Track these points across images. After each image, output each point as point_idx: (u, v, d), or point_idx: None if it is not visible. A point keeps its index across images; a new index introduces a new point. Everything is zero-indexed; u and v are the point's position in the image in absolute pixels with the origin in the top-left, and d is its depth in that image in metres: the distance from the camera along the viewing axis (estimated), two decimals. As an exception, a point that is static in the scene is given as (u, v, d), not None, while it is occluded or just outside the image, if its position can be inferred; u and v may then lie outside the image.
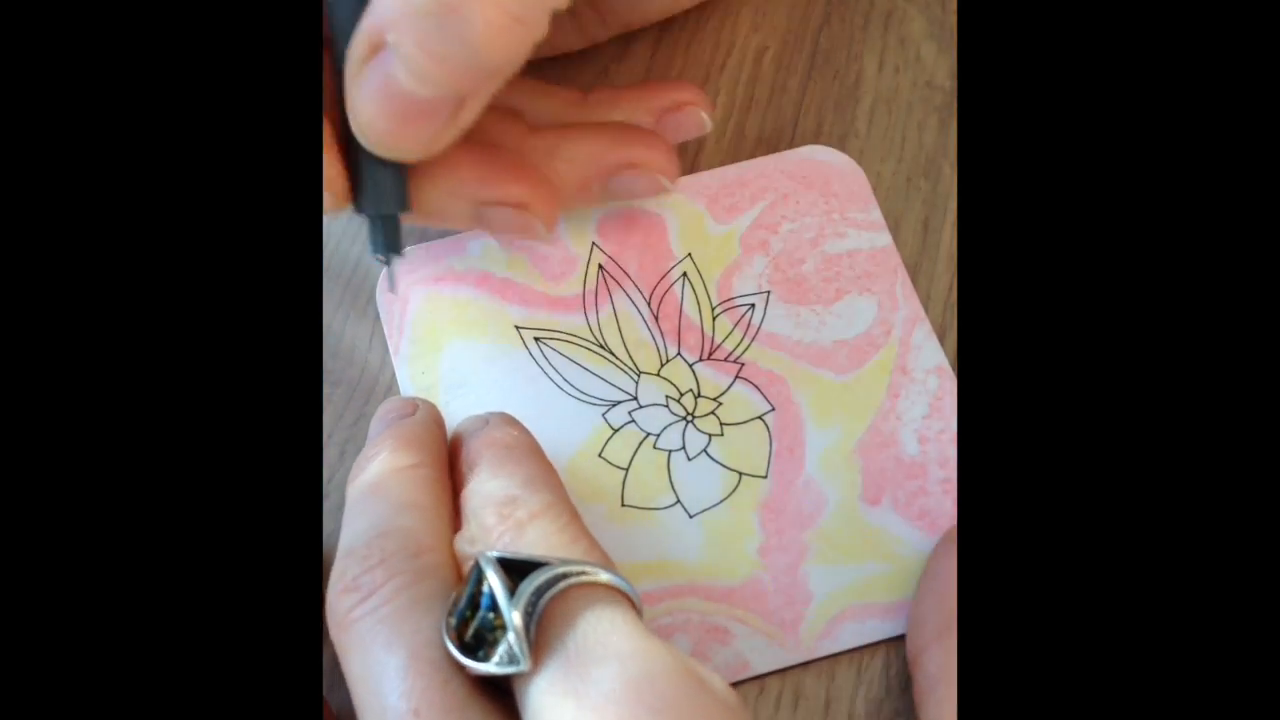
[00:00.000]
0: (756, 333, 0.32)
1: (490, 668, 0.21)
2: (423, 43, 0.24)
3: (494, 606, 0.21)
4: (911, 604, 0.28)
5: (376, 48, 0.25)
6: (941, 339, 0.32)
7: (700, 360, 0.32)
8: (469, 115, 0.26)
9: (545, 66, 0.34)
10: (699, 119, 0.32)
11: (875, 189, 0.34)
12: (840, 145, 0.34)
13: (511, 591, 0.21)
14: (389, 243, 0.27)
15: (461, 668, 0.22)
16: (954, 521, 0.29)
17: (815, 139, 0.35)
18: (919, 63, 0.36)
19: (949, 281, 0.32)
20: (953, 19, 0.36)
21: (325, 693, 0.28)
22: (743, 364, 0.31)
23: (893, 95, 0.35)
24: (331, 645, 0.29)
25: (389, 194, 0.27)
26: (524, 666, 0.21)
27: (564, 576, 0.22)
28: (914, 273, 0.32)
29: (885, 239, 0.33)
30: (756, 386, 0.31)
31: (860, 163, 0.34)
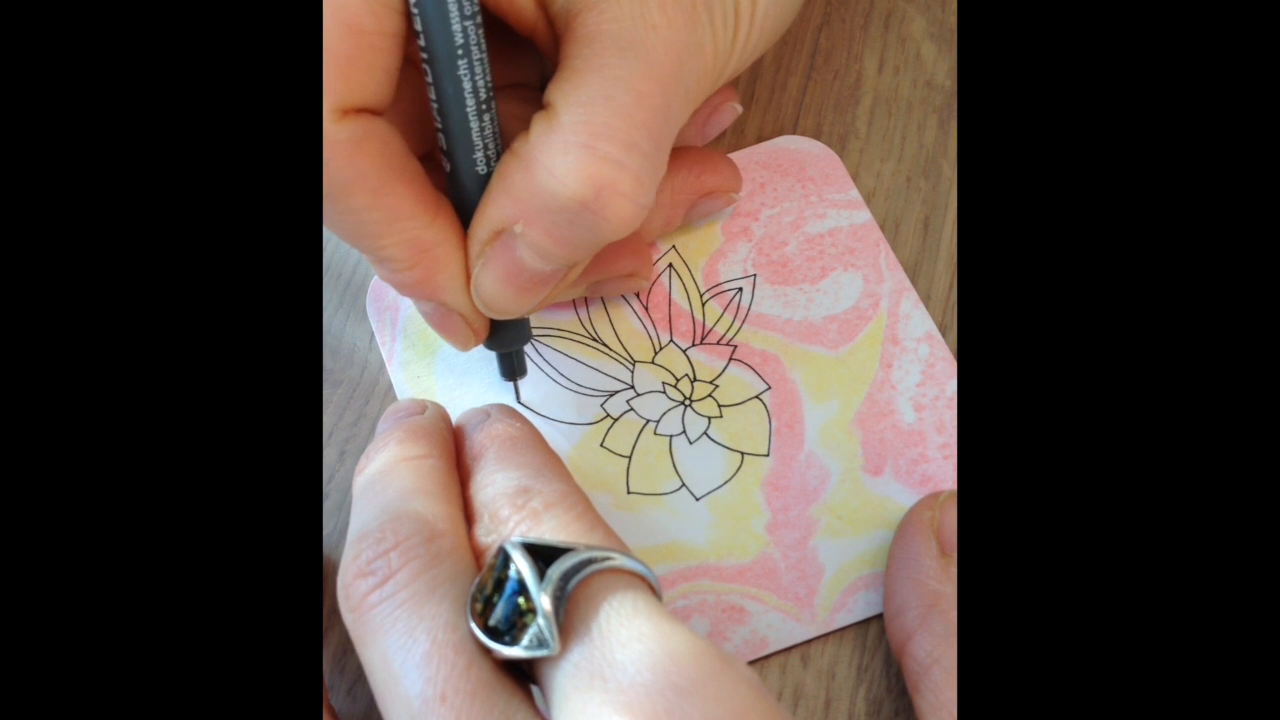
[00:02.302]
0: (746, 315, 0.32)
1: (519, 651, 0.21)
2: (553, 233, 0.25)
3: (522, 591, 0.21)
4: (885, 595, 0.28)
5: (500, 234, 0.26)
6: (942, 337, 0.32)
7: (693, 345, 0.32)
8: (577, 273, 0.28)
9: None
10: (734, 112, 0.33)
11: (875, 189, 0.34)
12: (840, 145, 0.34)
13: (540, 576, 0.21)
14: (517, 369, 0.31)
15: (483, 651, 0.22)
16: (943, 488, 0.29)
17: (815, 139, 0.35)
18: (919, 63, 0.36)
19: (949, 281, 0.32)
20: (953, 19, 0.36)
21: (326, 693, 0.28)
22: (735, 346, 0.32)
23: (893, 95, 0.35)
24: (330, 643, 0.29)
25: (514, 335, 0.30)
26: (553, 650, 0.21)
27: (590, 562, 0.22)
28: (914, 273, 0.33)
29: (865, 215, 0.33)
30: (751, 367, 0.31)
31: (860, 163, 0.34)
